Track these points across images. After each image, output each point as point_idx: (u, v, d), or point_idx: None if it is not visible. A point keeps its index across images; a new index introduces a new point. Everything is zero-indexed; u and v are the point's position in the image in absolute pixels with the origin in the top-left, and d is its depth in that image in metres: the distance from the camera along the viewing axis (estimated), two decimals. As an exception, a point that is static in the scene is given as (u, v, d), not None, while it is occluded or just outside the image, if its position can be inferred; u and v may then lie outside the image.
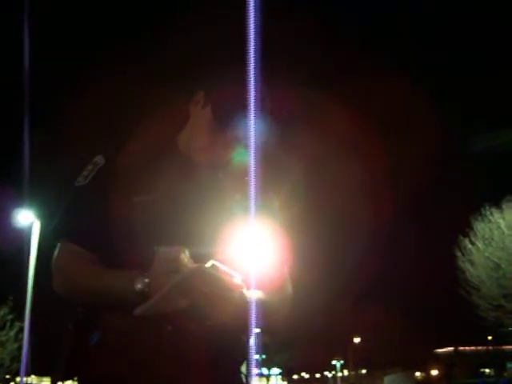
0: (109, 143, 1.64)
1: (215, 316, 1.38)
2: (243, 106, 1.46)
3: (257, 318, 1.40)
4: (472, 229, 30.18)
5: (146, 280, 1.38)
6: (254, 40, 1.42)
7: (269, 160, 1.60)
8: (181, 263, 1.37)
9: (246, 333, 1.46)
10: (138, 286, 1.38)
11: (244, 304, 1.41)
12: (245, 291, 1.43)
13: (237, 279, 1.40)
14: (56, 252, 1.55)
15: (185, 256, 1.38)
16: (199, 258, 1.41)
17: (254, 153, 1.48)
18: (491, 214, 29.88)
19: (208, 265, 1.37)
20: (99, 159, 1.57)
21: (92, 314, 1.49)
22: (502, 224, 29.33)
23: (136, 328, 1.39)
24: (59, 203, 1.62)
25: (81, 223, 1.53)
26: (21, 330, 20.70)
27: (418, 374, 60.84)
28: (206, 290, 1.36)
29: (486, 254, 29.52)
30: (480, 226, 29.99)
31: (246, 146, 1.53)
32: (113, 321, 1.44)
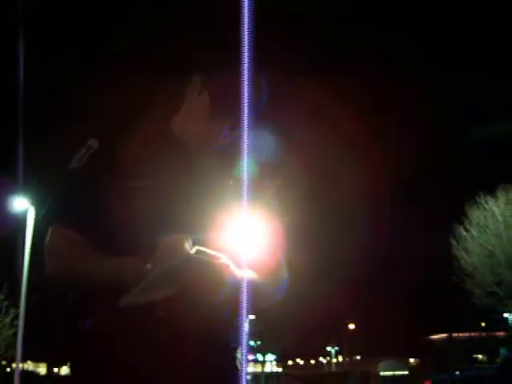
0: (102, 126, 1.62)
1: (206, 299, 1.38)
2: (240, 94, 1.45)
3: (249, 298, 1.40)
4: (467, 216, 30.29)
5: (148, 267, 1.38)
6: (249, 26, 1.41)
7: (263, 149, 1.59)
8: (183, 252, 1.36)
9: (238, 316, 1.46)
10: (139, 272, 1.38)
11: (235, 283, 1.40)
12: (234, 269, 1.42)
13: (223, 259, 1.40)
14: (48, 236, 1.53)
15: (188, 245, 1.38)
16: (195, 245, 1.41)
17: (248, 141, 1.47)
18: (486, 201, 29.96)
19: (193, 251, 1.37)
20: (93, 142, 1.55)
21: (84, 301, 1.49)
22: (497, 212, 29.43)
23: (127, 314, 1.39)
24: (51, 187, 1.60)
25: (73, 207, 1.51)
26: (16, 316, 20.72)
27: (412, 360, 61.28)
28: (195, 277, 1.36)
29: (481, 242, 29.65)
30: (475, 214, 30.09)
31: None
32: (104, 307, 1.44)
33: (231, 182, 1.57)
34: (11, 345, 23.08)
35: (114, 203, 1.49)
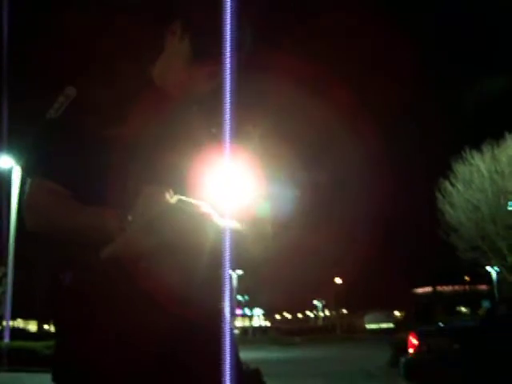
0: (80, 73, 1.57)
1: (189, 250, 1.36)
2: (222, 39, 1.40)
3: (232, 248, 1.38)
4: (452, 171, 30.56)
5: (129, 218, 1.34)
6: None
7: (247, 93, 1.55)
8: (165, 203, 1.33)
9: (222, 267, 1.44)
10: (120, 224, 1.35)
11: (217, 232, 1.38)
12: (216, 218, 1.40)
13: (205, 207, 1.37)
14: (27, 189, 1.49)
15: (170, 196, 1.35)
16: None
17: (231, 86, 1.42)
18: (472, 156, 30.20)
19: (173, 200, 1.34)
20: (70, 90, 1.50)
21: (65, 254, 1.46)
22: (482, 167, 29.70)
23: (109, 266, 1.36)
24: (30, 138, 1.55)
25: (52, 158, 1.47)
26: (4, 275, 20.80)
27: (397, 313, 62.80)
28: (177, 227, 1.33)
29: (466, 197, 30.02)
30: (460, 169, 30.36)
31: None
32: (86, 260, 1.41)
33: (214, 130, 1.53)
34: (0, 303, 23.25)
35: (94, 154, 1.44)
